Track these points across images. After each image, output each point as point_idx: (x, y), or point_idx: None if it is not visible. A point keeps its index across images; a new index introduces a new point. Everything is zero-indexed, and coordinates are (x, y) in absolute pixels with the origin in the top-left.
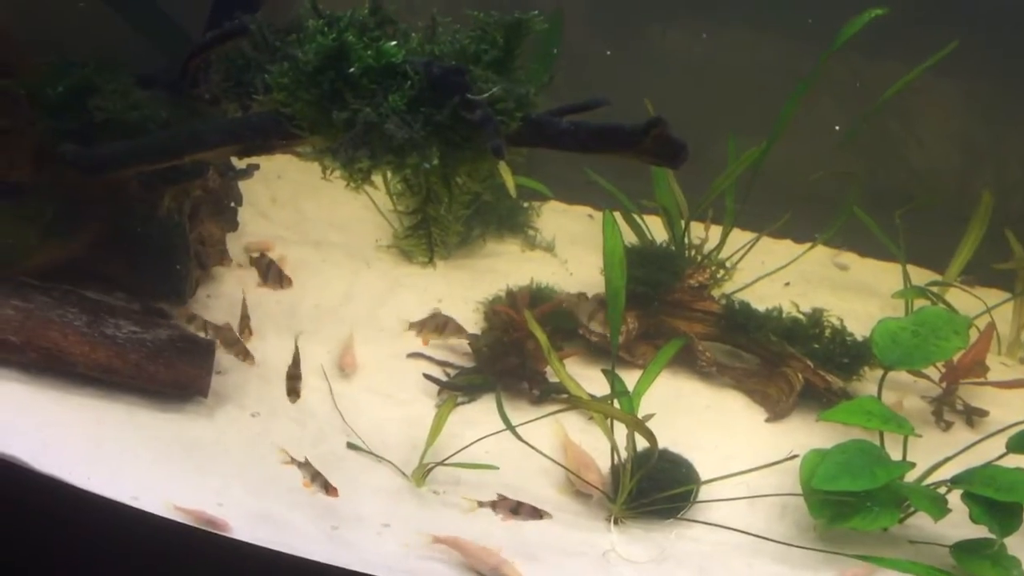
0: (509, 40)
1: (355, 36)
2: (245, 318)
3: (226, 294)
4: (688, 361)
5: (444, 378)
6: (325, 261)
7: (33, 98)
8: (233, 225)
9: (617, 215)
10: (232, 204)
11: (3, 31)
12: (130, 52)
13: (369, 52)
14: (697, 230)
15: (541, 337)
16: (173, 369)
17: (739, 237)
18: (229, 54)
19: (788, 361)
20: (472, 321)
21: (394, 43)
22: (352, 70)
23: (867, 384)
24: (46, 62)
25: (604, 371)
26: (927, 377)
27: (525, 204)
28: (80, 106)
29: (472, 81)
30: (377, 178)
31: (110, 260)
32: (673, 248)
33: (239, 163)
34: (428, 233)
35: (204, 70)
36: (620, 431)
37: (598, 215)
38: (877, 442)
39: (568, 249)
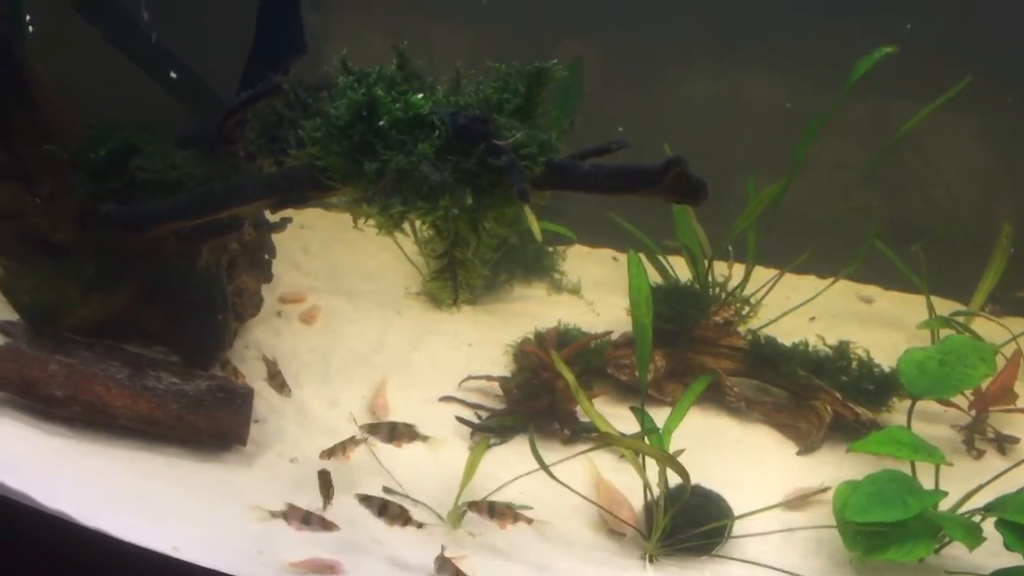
0: (531, 89)
1: (384, 90)
2: (278, 374)
3: (261, 344)
4: (716, 397)
5: (476, 420)
6: (357, 310)
7: (77, 161)
8: (268, 276)
9: (641, 255)
10: (266, 256)
11: (50, 99)
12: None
13: (397, 105)
14: (720, 268)
15: (569, 377)
16: (213, 419)
17: (762, 274)
18: (262, 112)
19: (817, 394)
20: (501, 364)
21: (421, 95)
22: (382, 122)
23: (896, 415)
24: (89, 126)
25: (633, 409)
26: (956, 406)
27: (550, 248)
28: (121, 167)
29: (496, 129)
30: (406, 226)
31: (150, 314)
32: (697, 286)
33: (272, 216)
34: (454, 276)
35: (239, 128)
36: (652, 468)
37: (622, 257)
38: (908, 472)
39: (594, 291)
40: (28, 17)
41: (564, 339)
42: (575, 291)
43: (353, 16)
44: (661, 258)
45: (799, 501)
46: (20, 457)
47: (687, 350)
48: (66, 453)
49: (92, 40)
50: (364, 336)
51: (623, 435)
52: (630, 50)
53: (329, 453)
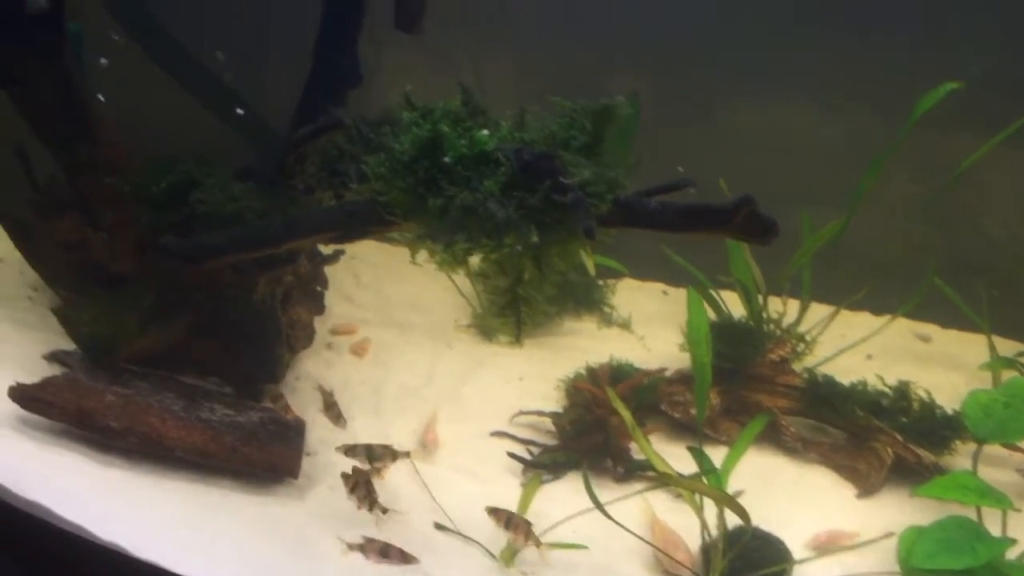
0: (597, 126)
1: (449, 126)
2: (334, 405)
3: (313, 375)
4: (772, 436)
5: (528, 456)
6: (408, 342)
7: (138, 194)
8: (320, 308)
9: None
10: (319, 288)
11: (111, 134)
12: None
13: (463, 141)
14: (774, 304)
15: (625, 414)
16: (266, 451)
17: (816, 310)
18: (323, 146)
19: (876, 435)
20: (552, 399)
21: (486, 132)
22: (447, 158)
23: (959, 458)
24: (149, 159)
25: (690, 448)
26: (1022, 450)
27: (600, 282)
28: (182, 200)
29: (563, 165)
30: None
31: (204, 345)
32: (752, 323)
33: (326, 248)
34: (517, 312)
35: (300, 162)
36: (708, 508)
37: (672, 291)
38: (974, 518)
39: (644, 326)
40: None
41: (617, 375)
42: (625, 326)
43: (405, 46)
44: (714, 293)
45: (861, 546)
46: (76, 488)
47: (742, 388)
48: (121, 485)
49: (150, 76)
50: (415, 369)
51: (681, 475)
52: (680, 82)
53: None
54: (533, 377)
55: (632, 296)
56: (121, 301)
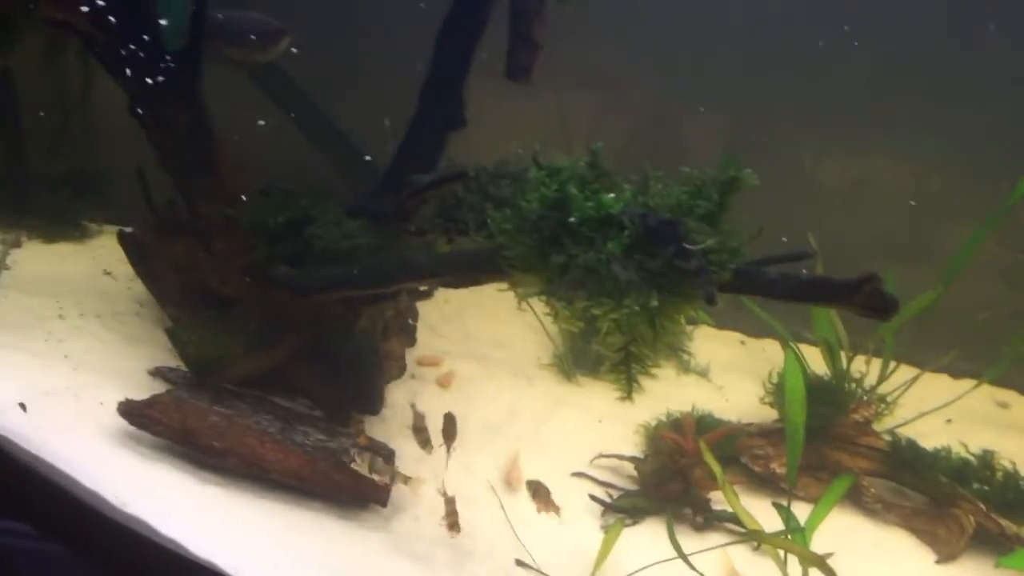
0: (722, 196)
1: (576, 188)
2: (424, 429)
3: (401, 405)
4: (851, 496)
5: (608, 499)
6: (490, 377)
7: (255, 225)
8: (412, 341)
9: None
10: (410, 321)
11: (235, 168)
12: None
13: (589, 203)
14: (856, 362)
15: (716, 468)
16: (356, 478)
17: (898, 371)
18: (442, 193)
19: (958, 502)
20: (632, 443)
21: (612, 195)
22: (572, 219)
23: None
24: (265, 191)
25: (776, 505)
26: None
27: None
28: (296, 234)
29: (687, 232)
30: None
31: (302, 371)
32: (834, 381)
33: None
34: (628, 369)
35: (418, 206)
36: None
37: (750, 341)
38: None
39: (722, 375)
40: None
41: (701, 426)
42: (703, 374)
43: (492, 83)
44: (794, 347)
45: None
46: (175, 505)
47: (823, 445)
48: (218, 503)
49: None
50: (497, 403)
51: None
52: (763, 133)
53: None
54: (612, 419)
55: (709, 344)
56: (227, 324)
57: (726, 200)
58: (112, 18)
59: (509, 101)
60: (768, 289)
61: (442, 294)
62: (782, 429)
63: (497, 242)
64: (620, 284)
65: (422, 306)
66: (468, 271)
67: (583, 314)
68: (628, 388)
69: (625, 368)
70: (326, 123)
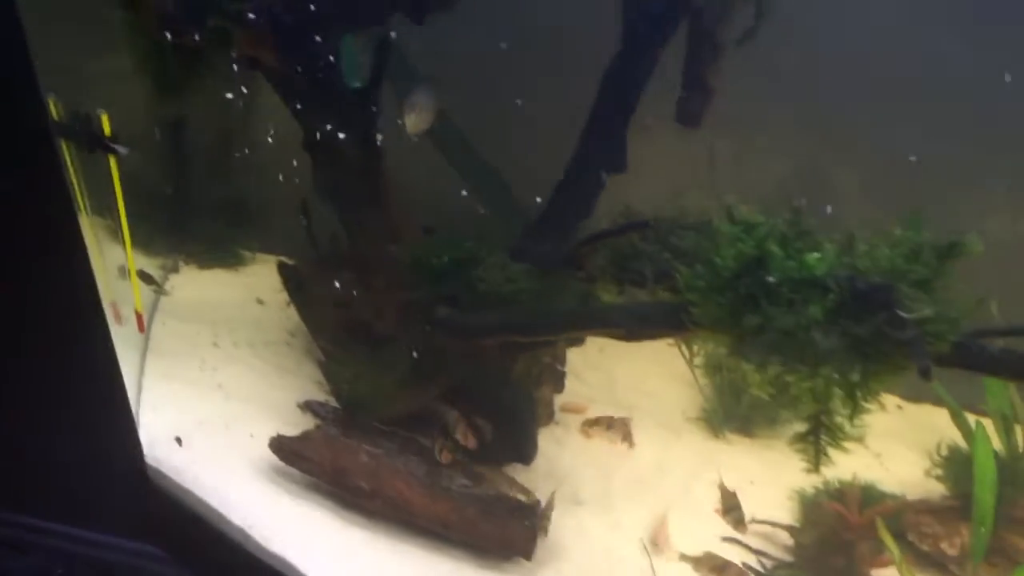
0: (941, 261)
1: (777, 245)
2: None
3: (546, 453)
4: None
5: (761, 569)
6: (636, 427)
7: (419, 264)
8: (561, 387)
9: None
10: (559, 367)
11: (398, 203)
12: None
13: (791, 263)
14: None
15: (893, 548)
16: (501, 528)
17: None
18: (618, 241)
19: None
20: (785, 508)
21: (816, 255)
22: (771, 278)
23: None
24: (426, 229)
25: None
26: None
27: None
28: (459, 275)
29: (900, 299)
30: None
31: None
32: (1008, 457)
33: None
34: (818, 440)
35: (591, 254)
36: None
37: (908, 406)
38: None
39: (879, 441)
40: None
41: (864, 498)
42: (859, 439)
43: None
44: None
45: None
46: (320, 545)
47: (998, 527)
48: (362, 547)
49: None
50: (643, 457)
51: None
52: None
53: None
54: (763, 482)
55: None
56: (380, 362)
57: (943, 266)
58: (299, 55)
59: (653, 141)
60: (990, 366)
61: (589, 340)
62: (953, 507)
63: (686, 298)
64: (821, 351)
65: (567, 352)
66: (648, 326)
67: (776, 380)
68: (816, 461)
69: (814, 439)
70: (480, 163)
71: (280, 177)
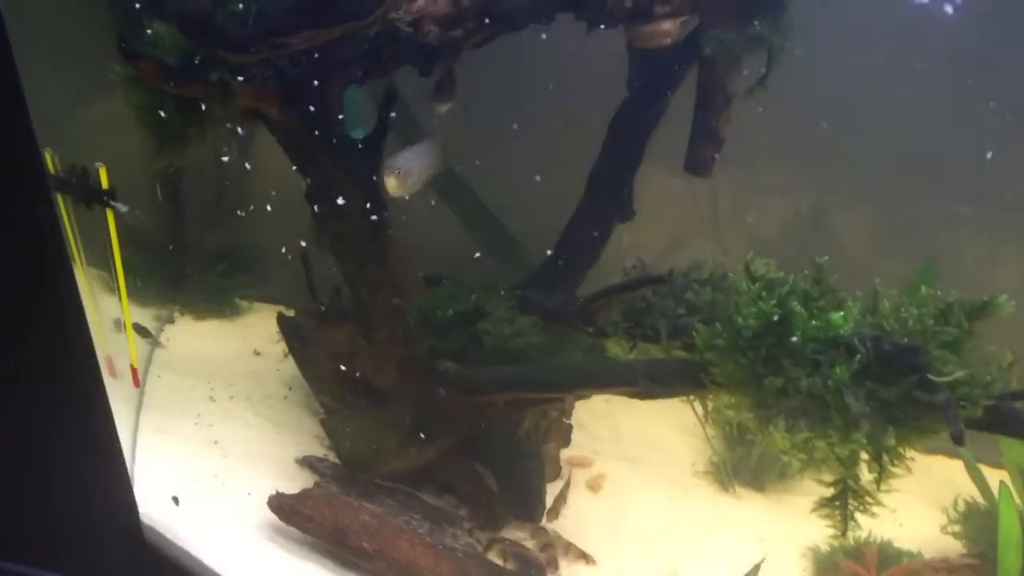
0: (970, 321)
1: (800, 304)
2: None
3: (553, 509)
4: None
5: None
6: (643, 482)
7: (423, 317)
8: (567, 442)
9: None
10: (565, 420)
11: (401, 257)
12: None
13: (815, 322)
14: None
15: None
16: None
17: None
18: (630, 296)
19: None
20: (799, 567)
21: (841, 314)
22: (794, 338)
23: None
24: (428, 279)
25: None
26: None
27: None
28: (464, 328)
29: (929, 361)
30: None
31: (456, 470)
32: None
33: None
34: (845, 504)
35: (603, 309)
36: None
37: (920, 458)
38: None
39: (894, 497)
40: None
41: (880, 556)
42: (872, 494)
43: None
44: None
45: None
46: None
47: None
48: None
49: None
50: (651, 512)
51: None
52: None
53: None
54: (776, 540)
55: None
56: (382, 417)
57: (973, 326)
58: (303, 107)
59: (654, 180)
60: None
61: None
62: (972, 565)
63: (704, 357)
64: (852, 415)
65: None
66: (660, 384)
67: (804, 445)
68: (844, 526)
69: (841, 504)
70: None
71: (279, 227)
